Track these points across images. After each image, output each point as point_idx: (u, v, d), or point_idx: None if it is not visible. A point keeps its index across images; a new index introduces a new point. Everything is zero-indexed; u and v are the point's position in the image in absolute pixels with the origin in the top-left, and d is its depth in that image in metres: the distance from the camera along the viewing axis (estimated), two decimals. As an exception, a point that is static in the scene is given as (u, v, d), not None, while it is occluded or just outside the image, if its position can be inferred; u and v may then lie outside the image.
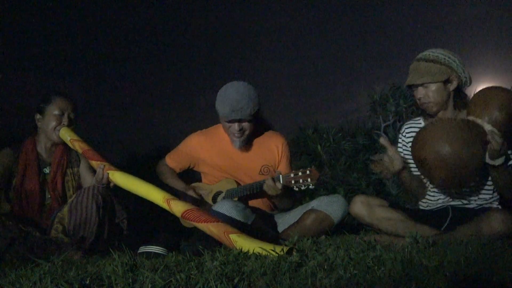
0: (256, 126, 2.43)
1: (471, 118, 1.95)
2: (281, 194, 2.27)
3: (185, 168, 2.61)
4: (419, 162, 1.98)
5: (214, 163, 2.49)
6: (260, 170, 2.48)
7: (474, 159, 1.86)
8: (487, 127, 1.90)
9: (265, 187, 2.25)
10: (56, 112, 2.33)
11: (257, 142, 2.51)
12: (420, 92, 2.12)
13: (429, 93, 2.09)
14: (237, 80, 2.40)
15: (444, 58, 2.08)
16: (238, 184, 2.44)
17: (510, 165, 2.01)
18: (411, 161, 2.27)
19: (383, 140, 2.14)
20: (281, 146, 2.53)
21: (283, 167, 2.52)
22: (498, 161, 1.89)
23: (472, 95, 2.08)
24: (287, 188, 2.26)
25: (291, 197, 2.44)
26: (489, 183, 2.11)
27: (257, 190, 2.32)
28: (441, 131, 1.90)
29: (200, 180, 2.63)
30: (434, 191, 2.22)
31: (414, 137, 2.03)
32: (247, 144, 2.45)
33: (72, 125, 2.37)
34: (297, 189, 2.24)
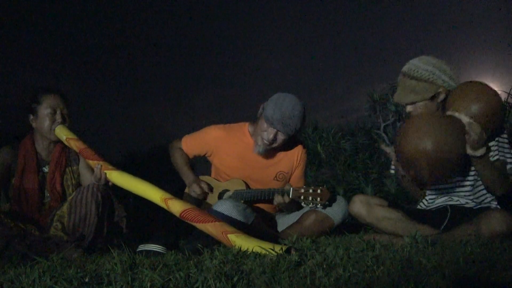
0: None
1: (449, 112, 1.96)
2: (287, 205, 2.29)
3: (199, 155, 2.58)
4: (402, 158, 1.98)
5: (229, 161, 2.47)
6: (275, 177, 2.47)
7: (454, 149, 1.86)
8: (464, 119, 1.91)
9: (275, 199, 2.27)
10: (48, 110, 2.29)
11: (277, 148, 2.45)
12: (409, 108, 2.11)
13: (417, 109, 2.08)
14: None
15: (429, 76, 2.03)
16: (247, 186, 2.43)
17: (495, 160, 2.02)
18: None
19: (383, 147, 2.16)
20: (300, 155, 2.52)
21: (296, 176, 2.52)
22: (479, 152, 1.90)
23: None
24: (295, 201, 2.27)
25: (298, 208, 2.43)
26: None
27: (264, 198, 2.32)
28: (419, 126, 1.90)
29: (208, 173, 2.61)
30: (432, 191, 2.23)
31: (395, 136, 2.04)
32: (267, 153, 2.43)
33: (67, 121, 2.34)
34: (304, 205, 2.25)
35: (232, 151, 2.46)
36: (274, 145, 2.34)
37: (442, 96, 2.07)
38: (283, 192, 2.26)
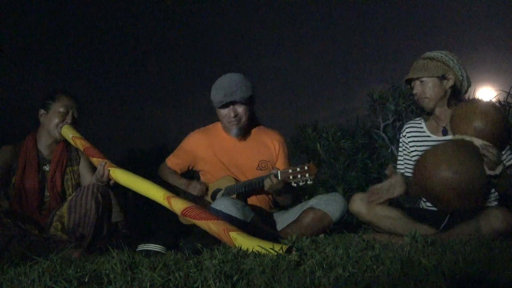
0: (251, 115, 2.47)
1: (458, 137, 1.96)
2: (280, 190, 2.28)
3: (185, 168, 2.63)
4: (428, 195, 1.96)
5: (213, 160, 2.51)
6: (258, 166, 2.50)
7: (475, 173, 1.84)
8: (477, 141, 1.90)
9: (265, 183, 2.26)
10: (61, 109, 2.34)
11: (254, 138, 2.55)
12: (417, 87, 2.20)
13: (425, 89, 2.17)
14: None
15: (442, 56, 2.17)
16: (237, 181, 2.45)
17: (508, 166, 2.02)
18: (410, 162, 2.29)
19: (389, 170, 2.14)
20: (278, 143, 2.57)
21: (280, 164, 2.54)
22: (498, 170, 1.89)
23: (471, 96, 2.10)
24: (286, 184, 2.26)
25: (291, 193, 2.44)
26: None
27: (255, 186, 2.32)
28: (433, 159, 1.89)
29: (198, 179, 2.63)
30: None
31: (413, 172, 2.02)
32: (244, 136, 2.50)
33: (75, 123, 2.38)
34: (295, 184, 2.24)
35: (213, 148, 2.52)
36: (243, 120, 2.42)
37: (450, 82, 2.15)
38: (272, 176, 2.24)
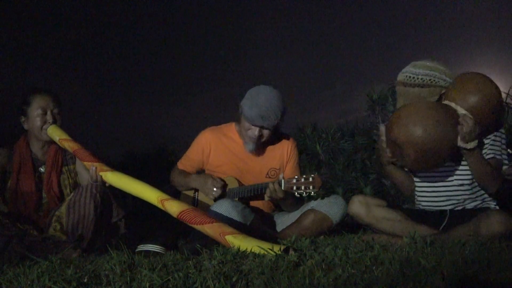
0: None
1: (446, 101, 1.98)
2: (283, 198, 2.27)
3: (198, 170, 2.57)
4: (391, 142, 1.99)
5: (221, 161, 2.47)
6: (267, 173, 2.47)
7: (444, 140, 1.87)
8: (460, 110, 1.92)
9: (266, 191, 2.25)
10: (38, 111, 2.27)
11: (267, 144, 2.48)
12: None
13: None
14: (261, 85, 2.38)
15: (430, 79, 2.01)
16: (240, 183, 2.43)
17: (491, 158, 2.02)
18: None
19: (381, 130, 2.14)
20: (290, 149, 2.52)
21: (289, 169, 2.50)
22: (470, 145, 1.90)
23: None
24: (289, 193, 2.25)
25: (296, 201, 2.41)
26: None
27: (258, 193, 2.31)
28: (413, 111, 1.91)
29: None
30: (432, 196, 2.22)
31: (389, 118, 2.04)
32: (258, 149, 2.44)
33: (58, 121, 2.32)
34: (298, 195, 2.22)
35: (223, 150, 2.47)
36: (263, 140, 2.36)
37: (445, 96, 2.06)
38: (275, 184, 2.22)
